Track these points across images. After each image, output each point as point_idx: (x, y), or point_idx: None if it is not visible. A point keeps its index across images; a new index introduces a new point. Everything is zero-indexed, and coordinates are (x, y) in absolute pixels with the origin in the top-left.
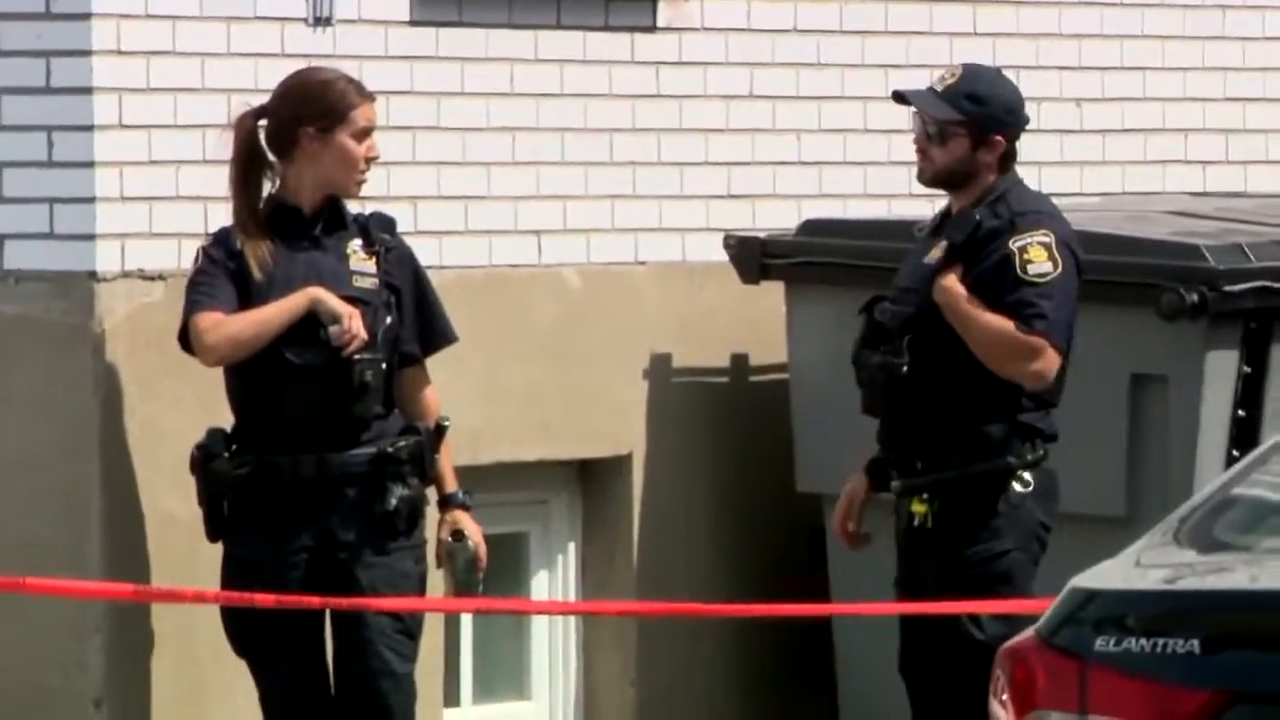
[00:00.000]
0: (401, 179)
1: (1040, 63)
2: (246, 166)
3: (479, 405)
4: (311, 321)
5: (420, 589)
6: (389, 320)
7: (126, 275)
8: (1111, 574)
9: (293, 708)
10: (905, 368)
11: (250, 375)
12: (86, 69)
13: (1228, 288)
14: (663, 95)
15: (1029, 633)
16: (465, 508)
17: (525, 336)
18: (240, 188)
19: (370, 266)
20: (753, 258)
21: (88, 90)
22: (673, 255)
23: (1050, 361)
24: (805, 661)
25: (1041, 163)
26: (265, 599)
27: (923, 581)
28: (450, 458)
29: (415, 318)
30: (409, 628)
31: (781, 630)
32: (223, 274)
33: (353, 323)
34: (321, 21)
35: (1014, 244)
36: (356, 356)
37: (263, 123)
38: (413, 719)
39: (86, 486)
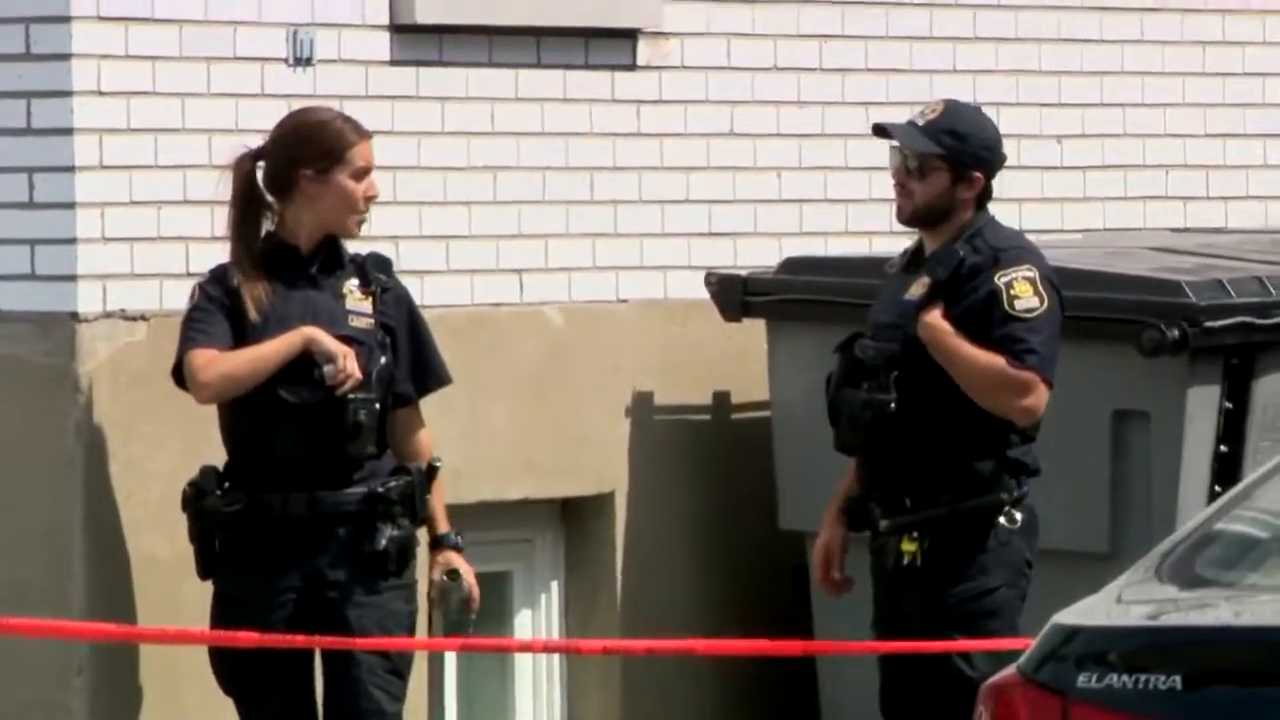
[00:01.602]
0: (383, 218)
1: (1020, 100)
2: (245, 207)
3: (462, 444)
4: (306, 360)
5: (410, 629)
6: (383, 360)
7: (108, 316)
8: (1094, 610)
9: None
10: (893, 404)
11: (244, 413)
12: (67, 110)
13: (1209, 324)
14: (643, 134)
15: (1011, 669)
16: (458, 548)
17: (508, 375)
18: (238, 228)
19: (366, 306)
20: (734, 295)
21: (68, 131)
22: (654, 293)
23: (1041, 397)
24: (789, 700)
25: (1023, 199)
26: (251, 638)
27: (906, 620)
28: (443, 498)
29: (410, 358)
30: (398, 667)
31: (766, 667)
32: (219, 311)
33: (347, 362)
34: (302, 62)
35: (999, 279)
36: (350, 396)
37: (260, 164)
38: None
39: (69, 527)
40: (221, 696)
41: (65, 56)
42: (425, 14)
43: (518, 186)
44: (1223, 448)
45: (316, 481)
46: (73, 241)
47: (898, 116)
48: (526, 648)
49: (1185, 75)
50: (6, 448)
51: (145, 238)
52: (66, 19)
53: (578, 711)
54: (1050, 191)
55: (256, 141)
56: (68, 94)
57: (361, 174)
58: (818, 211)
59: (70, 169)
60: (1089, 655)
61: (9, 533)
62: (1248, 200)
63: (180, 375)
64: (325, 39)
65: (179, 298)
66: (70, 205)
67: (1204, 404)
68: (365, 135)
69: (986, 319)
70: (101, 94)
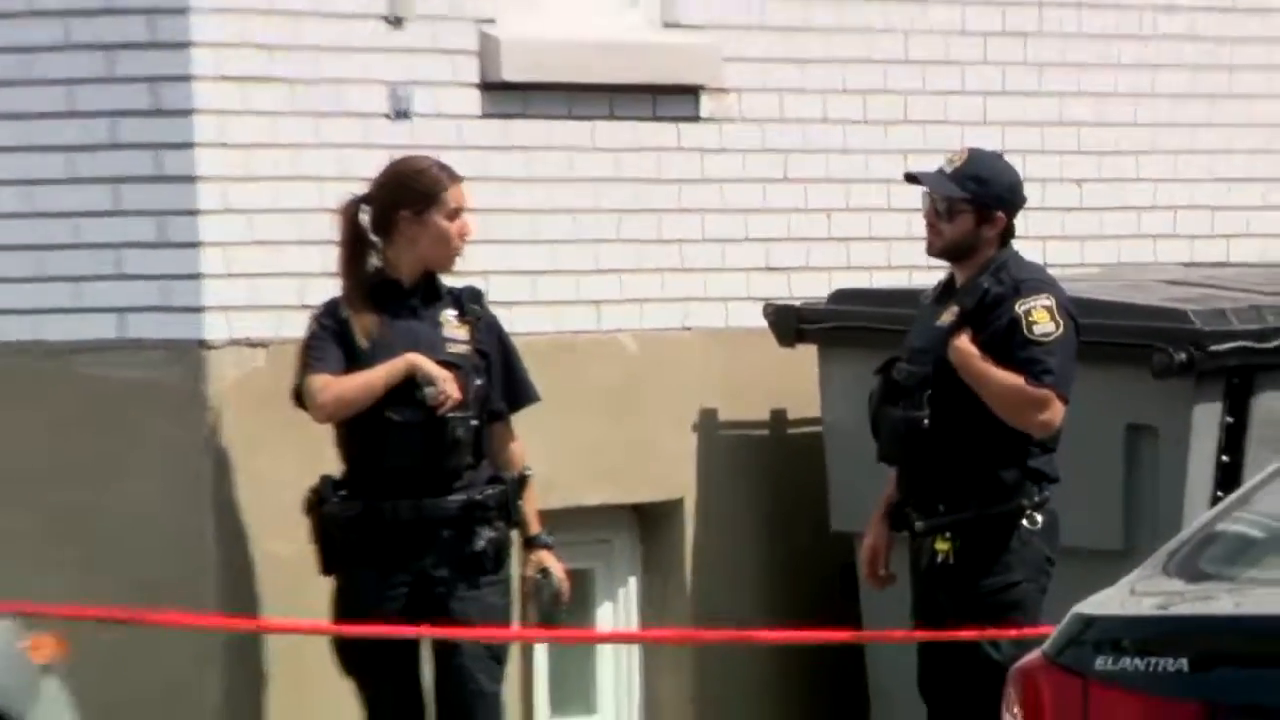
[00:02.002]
0: (475, 255)
1: (1045, 148)
2: (353, 247)
3: (549, 455)
4: (410, 383)
5: (506, 620)
6: (479, 382)
7: (233, 344)
8: (1109, 601)
9: None
10: (926, 420)
11: (356, 430)
12: (193, 160)
13: (1212, 348)
14: (706, 179)
15: (1036, 654)
16: (549, 547)
17: (588, 395)
18: (348, 266)
19: (463, 334)
20: (789, 324)
21: (194, 179)
22: (717, 322)
23: (1057, 412)
24: (840, 682)
25: (1046, 237)
26: (372, 629)
27: (941, 610)
28: (534, 503)
29: (502, 380)
30: (497, 654)
31: (819, 653)
32: (332, 340)
33: (447, 385)
34: (401, 115)
35: (1020, 308)
36: (450, 414)
37: (365, 208)
38: None
39: (201, 533)
40: (340, 681)
41: (189, 112)
42: (512, 73)
43: (595, 227)
44: (1224, 458)
45: (421, 490)
46: (199, 277)
47: (933, 163)
48: (608, 639)
49: (1195, 126)
50: (144, 463)
51: (264, 274)
52: (189, 78)
53: (654, 693)
54: (1071, 231)
55: (361, 188)
56: (192, 146)
57: (454, 215)
58: (863, 249)
59: (196, 212)
60: (1106, 641)
61: (148, 539)
62: (1248, 238)
63: (299, 397)
64: (422, 96)
65: (295, 327)
66: (197, 245)
67: (1208, 419)
68: (457, 180)
69: (1009, 343)
70: (224, 146)
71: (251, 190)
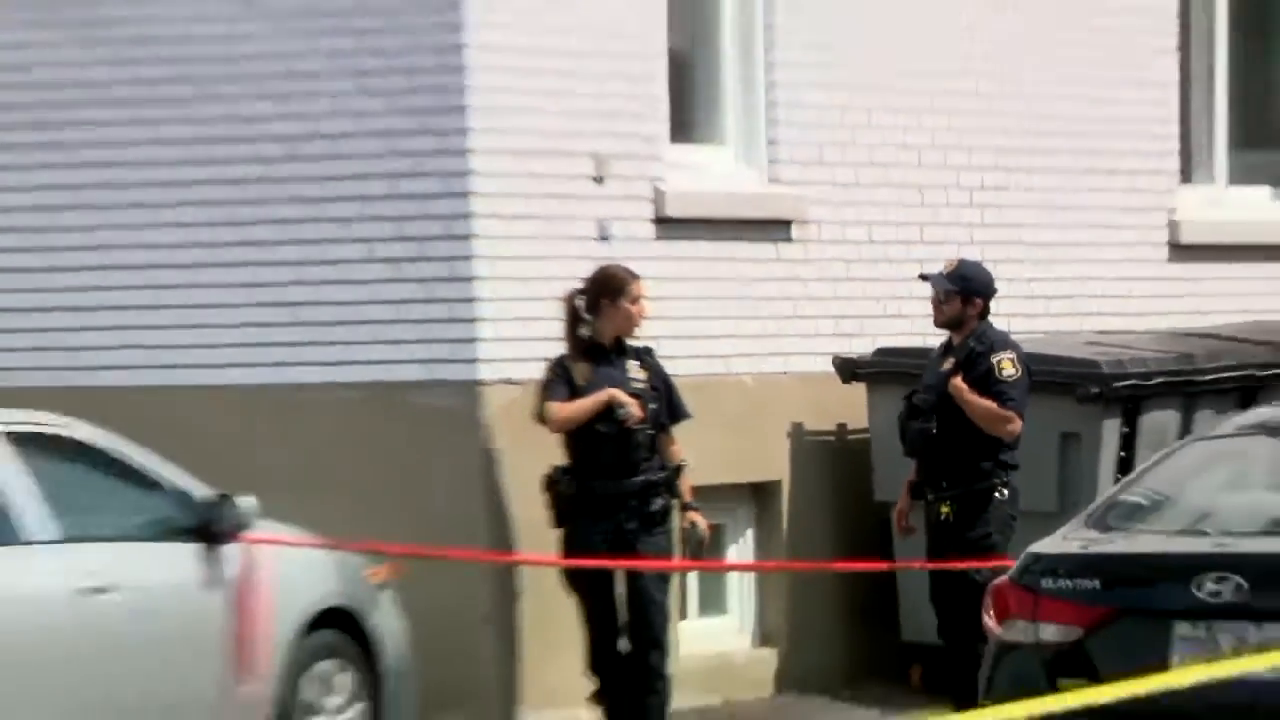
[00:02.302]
0: (649, 328)
1: (1010, 258)
2: (572, 323)
3: (696, 453)
4: (610, 408)
5: (670, 555)
6: (652, 407)
7: (500, 383)
8: (1050, 544)
9: (600, 622)
10: (934, 430)
11: (576, 438)
12: (471, 269)
13: (1114, 384)
14: (796, 279)
15: (1004, 578)
16: (697, 510)
17: (721, 414)
18: (569, 334)
19: (642, 376)
20: (848, 369)
21: (471, 279)
22: (804, 368)
23: (1017, 425)
24: (880, 600)
25: (1011, 314)
26: (586, 562)
27: (944, 550)
28: (688, 482)
29: (667, 405)
30: (666, 577)
31: (867, 579)
32: (560, 381)
33: (632, 409)
34: (605, 239)
35: (994, 359)
36: (634, 427)
37: (581, 297)
38: (667, 628)
39: (477, 504)
40: (566, 598)
41: (467, 215)
42: (674, 211)
43: (730, 307)
44: (1121, 454)
45: (618, 474)
46: (475, 341)
47: (937, 267)
48: (733, 568)
49: (1102, 245)
50: (442, 460)
51: (519, 338)
52: (466, 195)
53: (762, 602)
54: (1026, 309)
55: (578, 284)
56: (471, 272)
57: (635, 301)
58: (897, 322)
59: (473, 300)
60: (1048, 569)
61: (448, 506)
62: (1146, 316)
63: (540, 417)
64: (618, 226)
65: (537, 373)
66: (473, 320)
67: (1111, 429)
68: (637, 279)
69: (986, 381)
70: (499, 259)
71: (512, 287)
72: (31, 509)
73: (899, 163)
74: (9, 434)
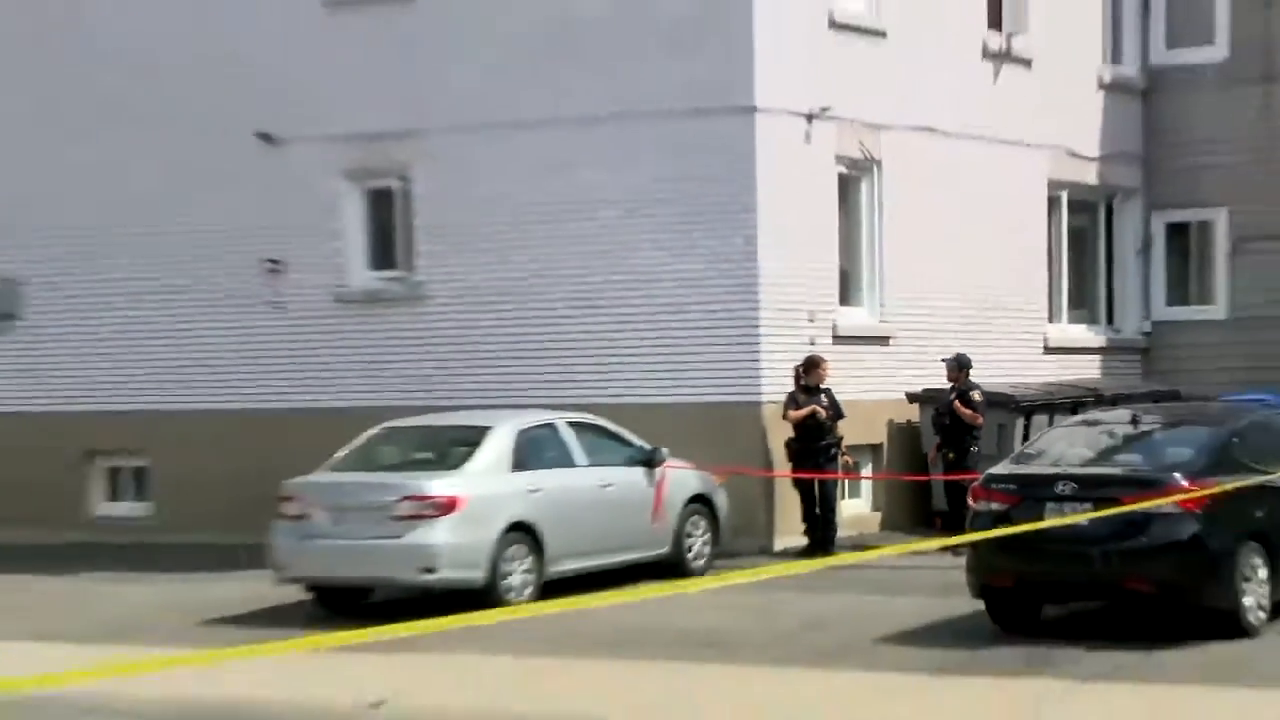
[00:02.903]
0: (833, 376)
1: (976, 355)
2: (796, 377)
3: (849, 433)
4: (813, 414)
5: (837, 472)
6: (829, 411)
7: (768, 403)
8: (995, 470)
9: (807, 499)
10: (947, 422)
11: (800, 425)
12: (758, 320)
13: (1020, 404)
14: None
15: (976, 483)
16: (847, 453)
17: (861, 417)
18: (795, 381)
19: (825, 400)
20: (914, 398)
21: (757, 328)
22: (896, 396)
23: (980, 421)
24: (922, 491)
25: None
26: (802, 474)
27: (949, 472)
28: (845, 442)
29: (834, 410)
30: (835, 482)
31: (916, 484)
32: (791, 401)
33: (821, 413)
34: (811, 343)
35: (971, 393)
36: (822, 421)
37: (802, 370)
38: (834, 504)
39: (757, 454)
40: (795, 506)
41: (755, 315)
42: (842, 332)
43: (864, 375)
44: (1022, 434)
45: (816, 439)
46: (759, 376)
47: (947, 355)
48: (860, 478)
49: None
50: (739, 445)
51: (778, 382)
52: (756, 311)
53: (876, 496)
54: (979, 375)
55: (800, 360)
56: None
57: (822, 368)
58: (937, 380)
59: (759, 353)
60: (994, 480)
61: (743, 459)
62: (1032, 377)
63: (783, 417)
64: (820, 342)
65: (781, 396)
66: (758, 367)
67: (1019, 424)
68: (825, 360)
69: (967, 402)
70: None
71: (774, 359)
72: (578, 452)
73: (947, 303)
74: (566, 421)
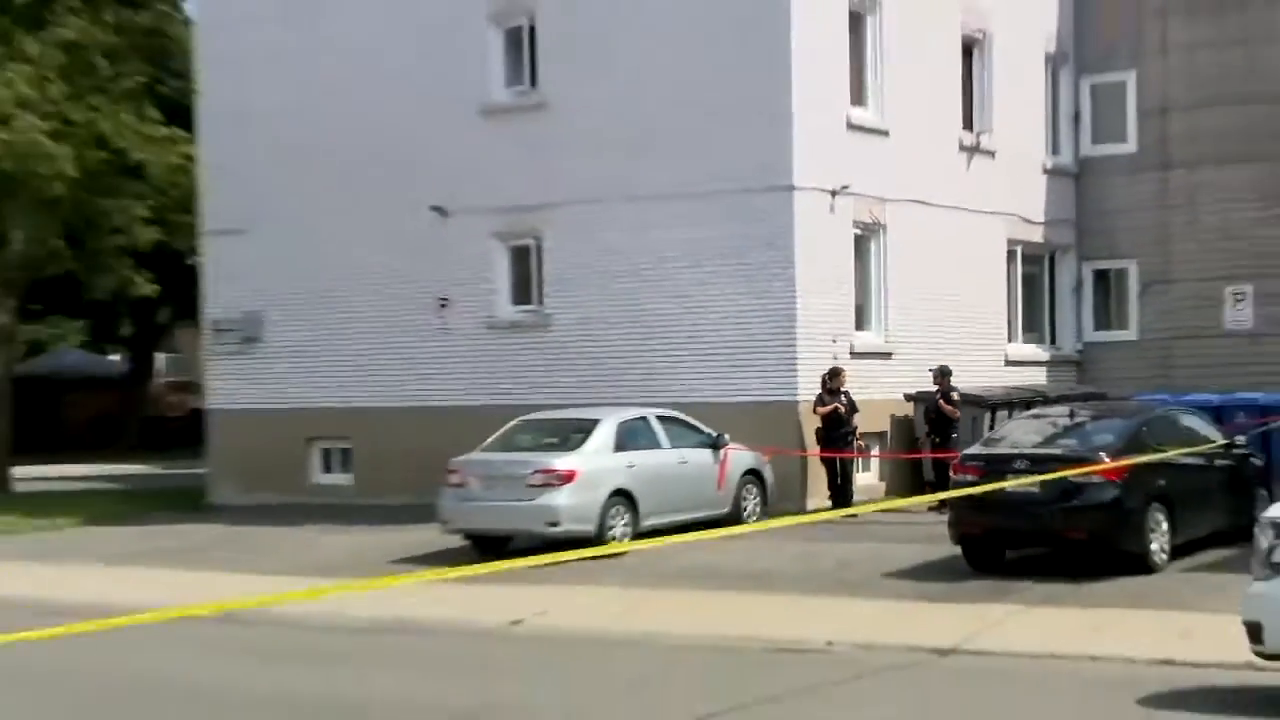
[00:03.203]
0: (853, 379)
1: (953, 363)
2: (823, 382)
3: (862, 422)
4: (835, 409)
5: (853, 452)
6: (846, 405)
7: (801, 402)
8: (970, 450)
9: (831, 473)
10: (933, 416)
11: (825, 417)
12: (794, 342)
13: (988, 402)
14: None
15: (957, 460)
16: (860, 438)
17: (870, 413)
18: (823, 385)
19: (844, 400)
20: (910, 398)
21: (795, 351)
22: (897, 395)
23: (958, 415)
24: (915, 466)
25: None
26: (828, 453)
27: (938, 451)
28: (860, 430)
29: (850, 408)
30: (851, 461)
31: (910, 461)
32: (819, 400)
33: (841, 409)
34: (836, 358)
35: (951, 393)
36: (843, 414)
37: (825, 377)
38: (852, 475)
39: (793, 437)
40: (824, 478)
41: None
42: (859, 350)
43: (868, 379)
44: (990, 424)
45: (838, 428)
46: (796, 386)
47: (933, 365)
48: (868, 456)
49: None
50: (783, 427)
51: (807, 385)
52: (794, 346)
53: (881, 470)
54: (957, 382)
55: (826, 369)
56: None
57: (841, 376)
58: (922, 384)
59: (797, 368)
60: (969, 457)
61: (783, 442)
62: (996, 381)
63: (813, 411)
64: (844, 358)
65: (811, 396)
66: (795, 381)
67: (985, 417)
68: (844, 370)
69: (948, 400)
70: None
71: (807, 366)
72: (663, 438)
73: (933, 329)
74: (654, 415)
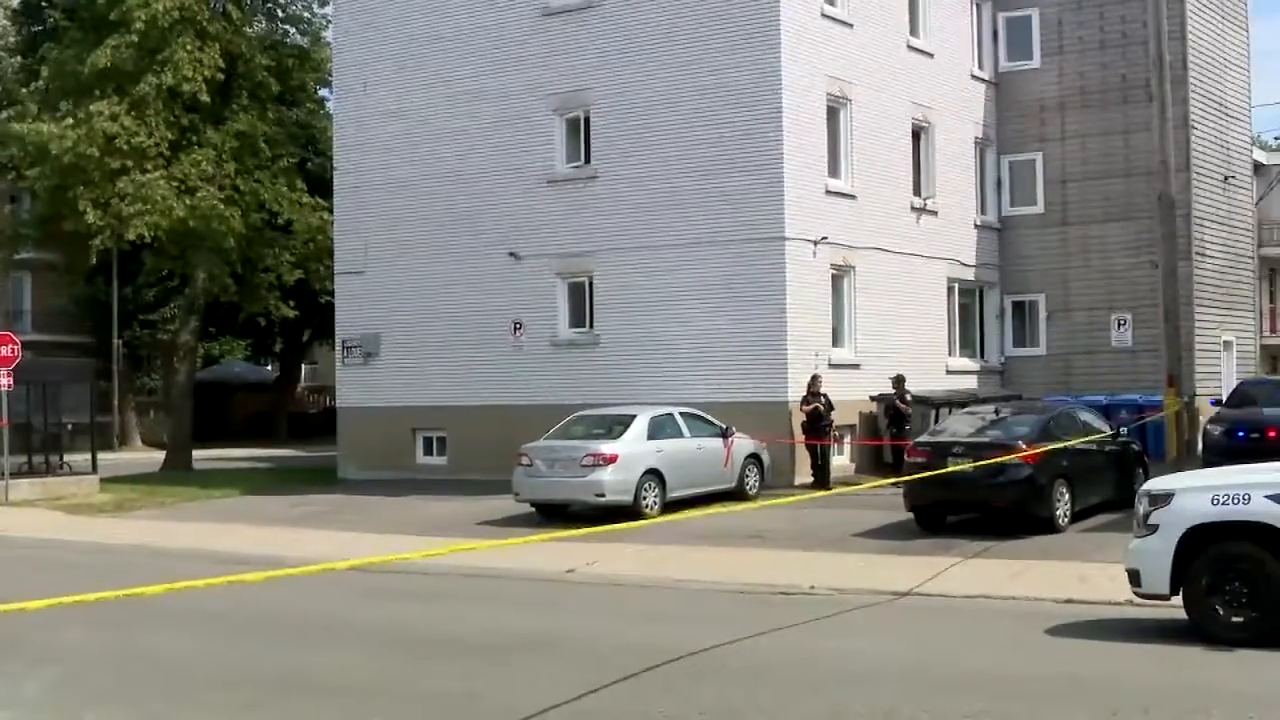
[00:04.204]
0: (829, 377)
1: (907, 373)
2: (809, 387)
3: (837, 416)
4: (816, 408)
5: (830, 440)
6: (825, 403)
7: (792, 401)
8: (920, 439)
9: (813, 455)
10: (892, 413)
11: (809, 414)
12: (787, 350)
13: (933, 402)
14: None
15: (910, 445)
16: (835, 428)
17: (842, 409)
18: (808, 389)
19: (823, 401)
20: (873, 400)
21: (786, 356)
22: (862, 399)
23: (910, 413)
24: (879, 451)
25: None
26: (813, 441)
27: (900, 439)
28: (835, 424)
29: (828, 405)
30: (829, 447)
31: (874, 450)
32: (805, 400)
33: (821, 408)
34: (817, 369)
35: (905, 394)
36: (822, 412)
37: (813, 378)
38: (829, 457)
39: (784, 427)
40: (805, 459)
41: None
42: (835, 362)
43: (842, 385)
44: (936, 421)
45: (820, 421)
46: (786, 387)
47: (892, 373)
48: (838, 443)
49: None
50: (775, 421)
51: (795, 388)
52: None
53: (854, 453)
54: (912, 387)
55: (809, 378)
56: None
57: (819, 382)
58: (883, 388)
59: (787, 364)
60: (919, 444)
61: (775, 431)
62: (940, 386)
63: (800, 409)
64: (822, 367)
65: (797, 397)
66: (785, 382)
67: (932, 414)
68: (820, 377)
69: (904, 401)
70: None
71: (796, 375)
72: (684, 429)
73: (891, 347)
74: (678, 412)
